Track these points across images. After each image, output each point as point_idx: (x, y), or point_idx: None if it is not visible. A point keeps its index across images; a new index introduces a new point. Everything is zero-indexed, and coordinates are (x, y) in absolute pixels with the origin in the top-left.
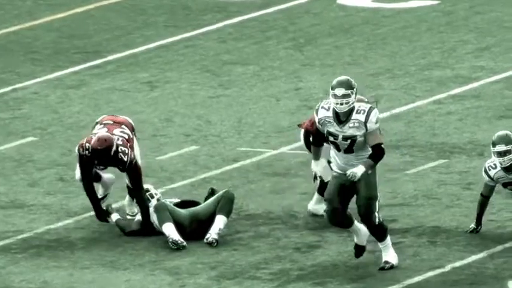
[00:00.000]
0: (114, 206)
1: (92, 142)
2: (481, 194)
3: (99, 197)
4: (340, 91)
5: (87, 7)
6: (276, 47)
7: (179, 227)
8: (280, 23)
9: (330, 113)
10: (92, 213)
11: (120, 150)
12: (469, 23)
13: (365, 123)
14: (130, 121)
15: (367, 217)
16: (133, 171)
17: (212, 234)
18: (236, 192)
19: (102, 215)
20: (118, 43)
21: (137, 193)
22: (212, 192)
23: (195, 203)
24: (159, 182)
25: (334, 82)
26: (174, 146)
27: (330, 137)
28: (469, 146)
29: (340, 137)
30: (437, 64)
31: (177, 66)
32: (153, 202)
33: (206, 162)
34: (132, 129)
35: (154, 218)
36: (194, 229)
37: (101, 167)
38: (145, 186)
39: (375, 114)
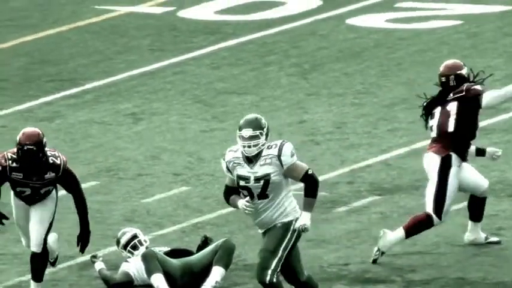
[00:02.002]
0: (99, 253)
1: (20, 138)
2: None
3: (51, 260)
4: (247, 132)
5: (61, 29)
6: (277, 74)
7: (169, 278)
8: (282, 46)
9: (239, 154)
10: (71, 263)
11: (50, 155)
12: (497, 46)
13: (278, 157)
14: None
15: (258, 270)
16: (69, 175)
17: (207, 287)
18: (233, 239)
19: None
20: (97, 69)
21: (79, 198)
22: (206, 240)
23: (187, 253)
24: (145, 227)
25: (242, 121)
26: (162, 187)
27: (240, 181)
28: (498, 186)
29: (252, 178)
30: None
31: (165, 96)
32: (141, 250)
33: (199, 205)
34: None
35: (140, 268)
36: (186, 282)
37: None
38: (132, 231)
39: (288, 147)
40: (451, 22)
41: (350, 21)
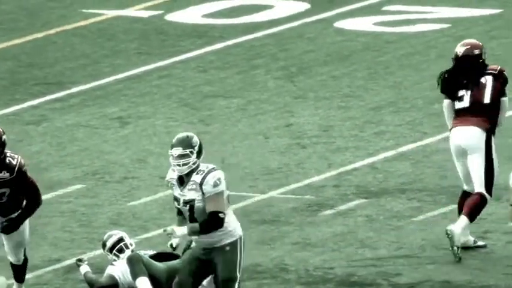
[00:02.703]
0: (85, 257)
1: None
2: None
3: None
4: (176, 151)
5: (48, 32)
6: (264, 77)
7: (155, 282)
8: (269, 49)
9: (175, 175)
10: (56, 266)
11: (8, 155)
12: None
13: (200, 185)
14: None
15: None
16: (24, 178)
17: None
18: None
19: None
20: (83, 73)
21: (31, 204)
22: (191, 245)
23: (173, 256)
24: (131, 231)
25: (174, 140)
26: (148, 190)
27: (174, 202)
28: None
29: (181, 201)
30: None
31: (151, 100)
32: (126, 253)
33: None
34: None
35: (125, 271)
36: (171, 286)
37: None
38: (118, 234)
39: (213, 177)
40: (438, 25)
41: (337, 24)
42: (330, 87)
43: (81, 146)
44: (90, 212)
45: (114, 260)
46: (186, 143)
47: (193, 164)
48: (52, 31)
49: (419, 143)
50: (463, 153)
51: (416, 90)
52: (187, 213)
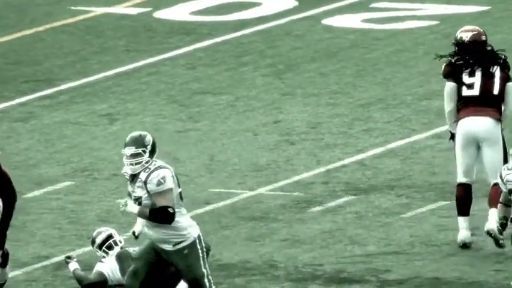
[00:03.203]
0: (74, 254)
1: None
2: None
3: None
4: (129, 150)
5: (37, 29)
6: (253, 74)
7: None
8: (257, 46)
9: (133, 172)
10: (45, 263)
11: None
12: None
13: (145, 183)
14: None
15: None
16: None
17: (182, 287)
18: (208, 239)
19: None
20: (72, 70)
21: (10, 208)
22: None
23: None
24: (120, 228)
25: (126, 139)
26: None
27: (128, 197)
28: (475, 186)
29: (132, 197)
30: (436, 93)
31: (140, 97)
32: (116, 250)
33: None
34: None
35: (115, 268)
36: (162, 281)
37: None
38: (108, 231)
39: (157, 175)
40: (426, 22)
41: (325, 21)
42: (318, 84)
43: (70, 143)
44: (79, 209)
45: (103, 257)
46: (139, 142)
47: (146, 163)
48: (40, 28)
49: (407, 140)
50: (473, 143)
51: (405, 87)
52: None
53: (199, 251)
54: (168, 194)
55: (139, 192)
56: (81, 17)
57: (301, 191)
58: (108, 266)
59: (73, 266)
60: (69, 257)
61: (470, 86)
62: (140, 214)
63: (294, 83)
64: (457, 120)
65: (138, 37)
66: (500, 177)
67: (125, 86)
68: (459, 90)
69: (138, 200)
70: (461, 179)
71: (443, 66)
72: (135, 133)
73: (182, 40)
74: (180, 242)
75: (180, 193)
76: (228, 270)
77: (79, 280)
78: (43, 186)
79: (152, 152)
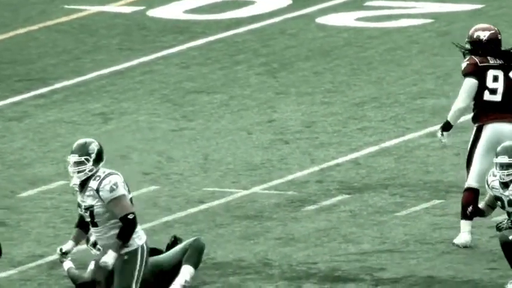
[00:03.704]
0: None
1: None
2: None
3: None
4: (73, 158)
5: (30, 28)
6: (247, 73)
7: None
8: (251, 45)
9: (78, 180)
10: (40, 262)
11: None
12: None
13: (97, 191)
14: None
15: None
16: None
17: (176, 285)
18: (202, 237)
19: None
20: (66, 69)
21: None
22: (175, 241)
23: (157, 251)
24: None
25: (73, 146)
26: (131, 186)
27: (78, 208)
28: None
29: (82, 207)
30: (430, 92)
31: (134, 96)
32: None
33: (168, 204)
34: None
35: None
36: (156, 281)
37: None
38: None
39: (109, 182)
40: (421, 21)
41: (319, 20)
42: (312, 83)
43: (63, 142)
44: (73, 208)
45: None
46: (83, 150)
47: (90, 171)
48: (34, 27)
49: (402, 139)
50: (494, 149)
51: (399, 86)
52: (89, 219)
53: (138, 263)
54: (123, 200)
55: (90, 201)
56: (74, 16)
57: (296, 189)
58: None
59: (67, 264)
60: (64, 253)
61: (493, 92)
62: (117, 250)
63: (288, 82)
64: (480, 125)
65: (132, 36)
66: (487, 183)
67: (118, 85)
68: (480, 93)
69: (89, 209)
70: (472, 183)
71: (465, 64)
72: (81, 140)
73: (176, 39)
74: (124, 247)
75: (131, 199)
76: (223, 269)
77: (73, 279)
78: (37, 185)
79: (97, 161)
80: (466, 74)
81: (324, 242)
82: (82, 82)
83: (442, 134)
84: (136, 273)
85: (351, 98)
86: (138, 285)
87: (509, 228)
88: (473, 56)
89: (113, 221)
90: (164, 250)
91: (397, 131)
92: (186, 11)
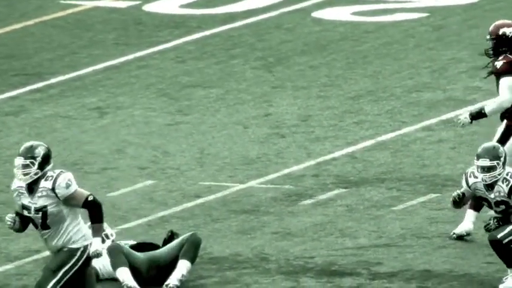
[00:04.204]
0: None
1: None
2: None
3: None
4: (18, 161)
5: (26, 23)
6: (243, 67)
7: (135, 272)
8: (247, 39)
9: (23, 183)
10: (36, 257)
11: None
12: (462, 38)
13: (53, 190)
14: None
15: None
16: None
17: (173, 280)
18: (199, 232)
19: None
20: (61, 64)
21: None
22: (172, 235)
23: (153, 246)
24: (111, 221)
25: (21, 148)
26: (127, 180)
27: (24, 211)
28: None
29: (33, 209)
30: (426, 85)
31: (130, 90)
32: (107, 243)
33: (164, 199)
34: None
35: (106, 261)
36: (152, 275)
37: None
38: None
39: (63, 178)
40: (416, 15)
41: (315, 14)
42: (308, 77)
43: (59, 136)
44: None
45: None
46: (28, 153)
47: (35, 174)
48: (30, 22)
49: (398, 132)
50: None
51: (395, 80)
52: (40, 221)
53: (72, 261)
54: (78, 192)
55: (44, 201)
56: (70, 11)
57: (292, 184)
58: (100, 260)
59: None
60: None
61: None
62: (100, 233)
63: (284, 76)
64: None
65: (128, 30)
66: (467, 183)
67: (114, 79)
68: None
69: (42, 210)
70: None
71: (501, 63)
72: (28, 143)
73: (171, 33)
74: (67, 244)
75: None
76: (219, 264)
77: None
78: None
79: (43, 164)
80: (505, 72)
81: (320, 236)
82: (78, 77)
83: (471, 122)
84: (68, 265)
85: (347, 91)
86: (66, 277)
87: (497, 227)
88: (508, 55)
89: (68, 222)
90: (161, 245)
91: (393, 124)
92: (182, 6)
